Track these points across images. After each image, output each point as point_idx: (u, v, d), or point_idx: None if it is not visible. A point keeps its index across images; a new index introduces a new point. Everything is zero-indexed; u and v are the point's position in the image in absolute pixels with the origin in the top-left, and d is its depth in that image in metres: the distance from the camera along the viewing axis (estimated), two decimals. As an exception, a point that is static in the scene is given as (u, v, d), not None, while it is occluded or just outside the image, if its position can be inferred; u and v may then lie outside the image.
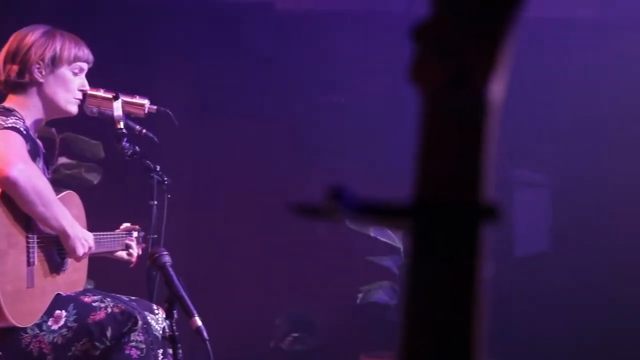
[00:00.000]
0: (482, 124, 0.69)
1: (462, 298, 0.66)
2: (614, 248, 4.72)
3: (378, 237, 4.27)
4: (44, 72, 2.75)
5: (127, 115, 2.88)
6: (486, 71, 0.69)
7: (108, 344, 2.64)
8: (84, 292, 2.82)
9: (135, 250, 3.05)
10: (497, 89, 0.70)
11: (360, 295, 4.28)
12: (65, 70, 2.78)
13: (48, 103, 2.77)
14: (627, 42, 4.56)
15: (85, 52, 2.83)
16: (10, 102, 2.76)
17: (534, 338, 4.74)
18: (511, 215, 5.18)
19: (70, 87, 2.79)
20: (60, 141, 4.16)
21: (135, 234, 3.07)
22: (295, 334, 4.62)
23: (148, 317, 2.71)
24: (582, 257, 4.82)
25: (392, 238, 4.26)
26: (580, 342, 4.67)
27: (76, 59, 2.79)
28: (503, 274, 4.50)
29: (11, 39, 2.79)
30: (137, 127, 2.93)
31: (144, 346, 2.65)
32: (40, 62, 2.74)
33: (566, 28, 4.66)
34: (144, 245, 3.08)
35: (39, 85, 2.75)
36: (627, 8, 4.57)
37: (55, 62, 2.75)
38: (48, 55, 2.74)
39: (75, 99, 2.81)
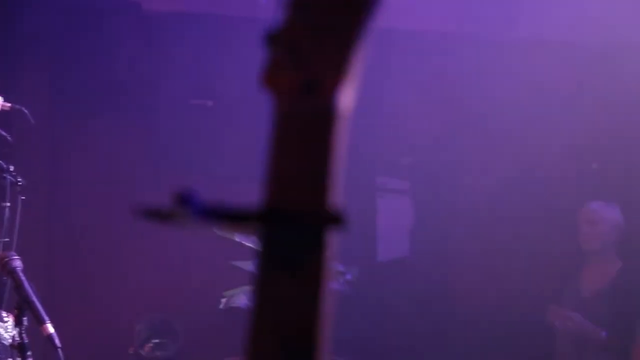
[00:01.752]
0: (331, 131, 0.70)
1: (306, 303, 0.67)
2: (472, 252, 4.92)
3: (243, 242, 4.25)
4: None
5: (-22, 112, 2.74)
6: (336, 79, 0.71)
7: (-50, 353, 2.49)
8: None
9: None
10: (346, 97, 0.71)
11: (223, 300, 4.26)
12: None
13: None
14: (483, 54, 4.76)
15: None
16: None
17: (395, 340, 4.86)
18: (375, 221, 5.31)
19: None
20: None
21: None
22: (156, 340, 4.53)
23: (-4, 326, 2.58)
24: (441, 262, 4.99)
25: (257, 242, 4.25)
26: (437, 344, 4.83)
27: None
28: (366, 278, 4.59)
29: None
30: (-11, 125, 2.79)
31: (-10, 355, 2.51)
32: None
33: (429, 40, 4.81)
34: (-6, 249, 2.93)
35: None
36: (485, 23, 4.77)
37: None
38: None
39: None
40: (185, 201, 0.67)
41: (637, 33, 4.37)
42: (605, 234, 4.00)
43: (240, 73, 4.63)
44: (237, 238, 4.28)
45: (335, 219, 0.68)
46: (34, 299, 2.19)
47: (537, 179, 4.68)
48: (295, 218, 0.67)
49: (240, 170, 4.49)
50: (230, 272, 4.41)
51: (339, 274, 3.81)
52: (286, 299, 0.67)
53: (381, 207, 5.35)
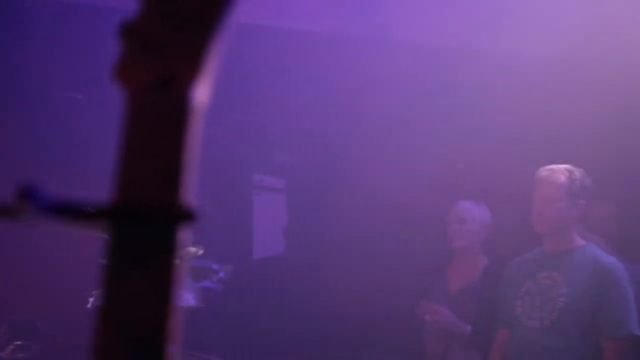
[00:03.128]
0: (184, 126, 0.69)
1: (155, 302, 0.65)
2: (346, 250, 4.99)
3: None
4: None
5: None
6: (190, 74, 0.69)
7: None
8: None
9: None
10: (201, 92, 0.70)
11: (91, 299, 4.13)
12: None
13: None
14: (363, 54, 4.83)
15: None
16: None
17: (269, 338, 4.87)
18: (250, 219, 5.30)
19: None
20: None
21: None
22: (18, 342, 4.36)
23: None
24: (315, 260, 5.04)
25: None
26: (312, 341, 4.87)
27: None
28: (241, 276, 4.58)
29: None
30: None
31: None
32: None
33: (304, 39, 4.84)
34: None
35: None
36: (362, 25, 4.84)
37: None
38: None
39: None
40: (28, 196, 0.64)
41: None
42: (473, 232, 4.16)
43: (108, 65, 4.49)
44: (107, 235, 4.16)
45: (186, 216, 0.67)
46: None
47: (407, 178, 4.81)
48: (145, 214, 0.65)
49: (109, 166, 4.36)
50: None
51: (212, 272, 3.78)
52: (135, 297, 0.65)
53: (257, 204, 5.35)
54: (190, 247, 3.23)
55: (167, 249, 0.66)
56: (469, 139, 4.75)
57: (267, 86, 4.70)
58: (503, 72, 4.51)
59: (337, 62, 4.77)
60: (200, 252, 3.31)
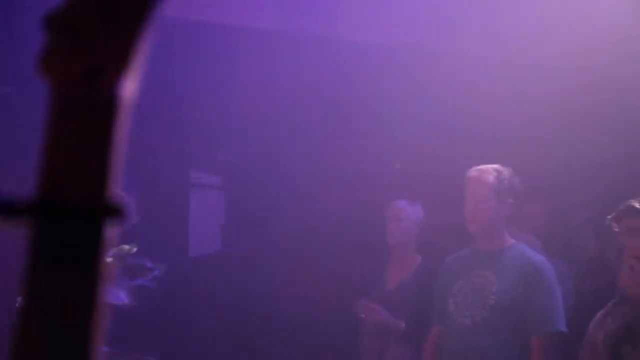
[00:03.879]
0: (112, 121, 0.67)
1: (81, 302, 0.64)
2: (284, 248, 4.99)
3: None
4: None
5: None
6: (119, 68, 0.68)
7: None
8: None
9: None
10: (129, 86, 0.69)
11: (19, 299, 4.04)
12: None
13: None
14: (302, 55, 4.84)
15: None
16: None
17: (204, 336, 4.84)
18: (187, 216, 5.25)
19: None
20: None
21: None
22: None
23: None
24: (251, 258, 5.03)
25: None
26: (251, 336, 4.86)
27: None
28: (177, 274, 4.54)
29: None
30: None
31: None
32: None
33: (247, 37, 4.82)
34: None
35: None
36: (301, 23, 4.84)
37: None
38: None
39: None
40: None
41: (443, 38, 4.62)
42: (409, 229, 4.22)
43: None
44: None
45: (114, 212, 0.65)
46: None
47: (345, 178, 4.83)
48: (70, 211, 0.64)
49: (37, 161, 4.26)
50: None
51: (147, 270, 3.73)
52: (59, 296, 0.64)
53: (194, 202, 5.31)
54: (124, 245, 3.18)
55: (93, 247, 0.64)
56: (407, 139, 4.80)
57: (205, 82, 4.65)
58: (444, 71, 4.56)
59: (278, 60, 4.76)
60: (135, 249, 3.26)
